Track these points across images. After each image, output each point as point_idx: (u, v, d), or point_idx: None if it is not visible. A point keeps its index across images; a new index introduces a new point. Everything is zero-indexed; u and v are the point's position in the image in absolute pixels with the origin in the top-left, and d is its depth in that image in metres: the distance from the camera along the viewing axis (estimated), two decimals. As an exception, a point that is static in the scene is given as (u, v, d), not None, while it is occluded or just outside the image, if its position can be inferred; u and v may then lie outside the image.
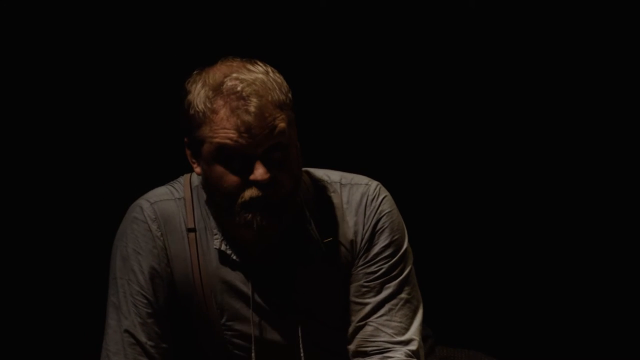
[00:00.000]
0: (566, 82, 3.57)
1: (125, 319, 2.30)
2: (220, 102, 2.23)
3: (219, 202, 2.27)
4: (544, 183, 3.64)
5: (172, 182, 2.42)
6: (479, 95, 3.61)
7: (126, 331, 2.30)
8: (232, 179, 2.23)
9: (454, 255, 3.65)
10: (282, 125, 2.23)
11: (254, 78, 2.25)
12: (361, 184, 2.39)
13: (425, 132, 3.63)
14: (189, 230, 2.34)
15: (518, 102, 3.60)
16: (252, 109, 2.20)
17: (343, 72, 3.57)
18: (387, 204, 2.38)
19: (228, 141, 2.21)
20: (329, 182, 2.40)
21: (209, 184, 2.27)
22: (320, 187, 2.40)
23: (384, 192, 2.39)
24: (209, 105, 2.23)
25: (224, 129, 2.21)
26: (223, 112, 2.22)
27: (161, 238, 2.33)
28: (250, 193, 2.22)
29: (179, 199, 2.37)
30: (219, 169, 2.23)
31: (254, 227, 2.22)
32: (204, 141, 2.25)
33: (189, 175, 2.41)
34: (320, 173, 2.43)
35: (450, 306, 3.61)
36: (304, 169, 2.38)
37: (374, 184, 2.39)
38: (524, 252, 3.65)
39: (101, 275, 2.45)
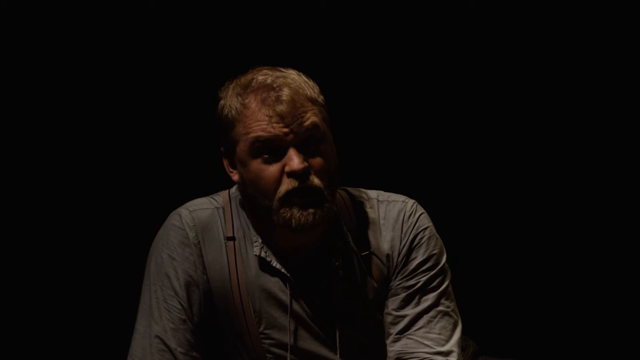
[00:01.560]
0: (566, 82, 3.58)
1: (156, 325, 2.28)
2: (251, 96, 2.23)
3: (258, 203, 2.26)
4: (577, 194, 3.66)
5: (212, 195, 2.42)
6: (479, 96, 3.61)
7: (157, 337, 2.27)
8: (268, 173, 2.22)
9: (496, 267, 3.64)
10: (314, 118, 2.24)
11: (284, 74, 2.26)
12: (398, 201, 2.41)
13: (428, 137, 3.63)
14: (228, 238, 2.33)
15: (519, 102, 3.61)
16: (283, 97, 2.21)
17: (341, 72, 3.55)
18: (424, 221, 2.39)
19: (262, 133, 2.21)
20: (366, 198, 2.41)
21: (247, 185, 2.27)
22: (358, 203, 2.41)
23: (421, 209, 2.41)
24: (240, 102, 2.24)
25: (256, 121, 2.21)
26: (254, 105, 2.22)
27: (198, 245, 2.32)
28: (286, 186, 2.22)
29: (218, 208, 2.36)
30: (255, 165, 2.23)
31: (292, 225, 2.22)
32: (238, 141, 2.25)
33: (227, 190, 2.41)
34: (356, 191, 2.44)
35: (493, 317, 3.59)
36: (341, 187, 2.40)
37: (411, 201, 2.41)
38: (568, 264, 3.64)
39: (127, 285, 2.43)
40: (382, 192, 2.44)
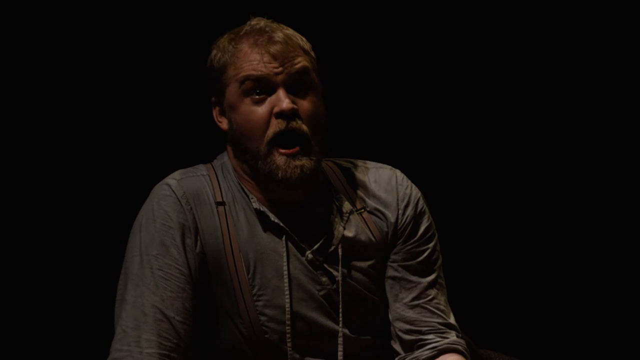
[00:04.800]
0: (566, 82, 3.59)
1: (153, 294, 2.22)
2: (243, 40, 2.29)
3: (247, 148, 2.28)
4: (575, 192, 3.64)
5: (192, 167, 2.42)
6: (479, 96, 3.61)
7: (153, 306, 2.21)
8: (257, 114, 2.25)
9: (491, 265, 3.65)
10: (304, 63, 2.28)
11: (279, 24, 2.32)
12: (386, 168, 2.46)
13: (429, 134, 3.62)
14: (218, 203, 2.33)
15: (519, 103, 3.60)
16: (276, 38, 2.26)
17: (340, 71, 3.55)
18: (417, 190, 2.44)
19: (252, 71, 2.25)
20: (353, 165, 2.45)
21: (236, 129, 2.29)
22: (346, 168, 2.44)
23: (408, 179, 2.45)
24: (232, 47, 2.29)
25: (248, 61, 2.26)
26: (246, 47, 2.27)
27: (191, 212, 2.31)
28: (274, 129, 2.24)
29: (204, 175, 2.36)
30: (245, 106, 2.26)
31: (279, 176, 2.24)
32: (228, 84, 2.29)
33: (209, 162, 2.42)
34: (343, 160, 2.48)
35: (488, 314, 3.60)
36: (326, 158, 2.43)
37: (398, 170, 2.46)
38: (565, 263, 3.65)
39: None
40: (368, 161, 2.48)
